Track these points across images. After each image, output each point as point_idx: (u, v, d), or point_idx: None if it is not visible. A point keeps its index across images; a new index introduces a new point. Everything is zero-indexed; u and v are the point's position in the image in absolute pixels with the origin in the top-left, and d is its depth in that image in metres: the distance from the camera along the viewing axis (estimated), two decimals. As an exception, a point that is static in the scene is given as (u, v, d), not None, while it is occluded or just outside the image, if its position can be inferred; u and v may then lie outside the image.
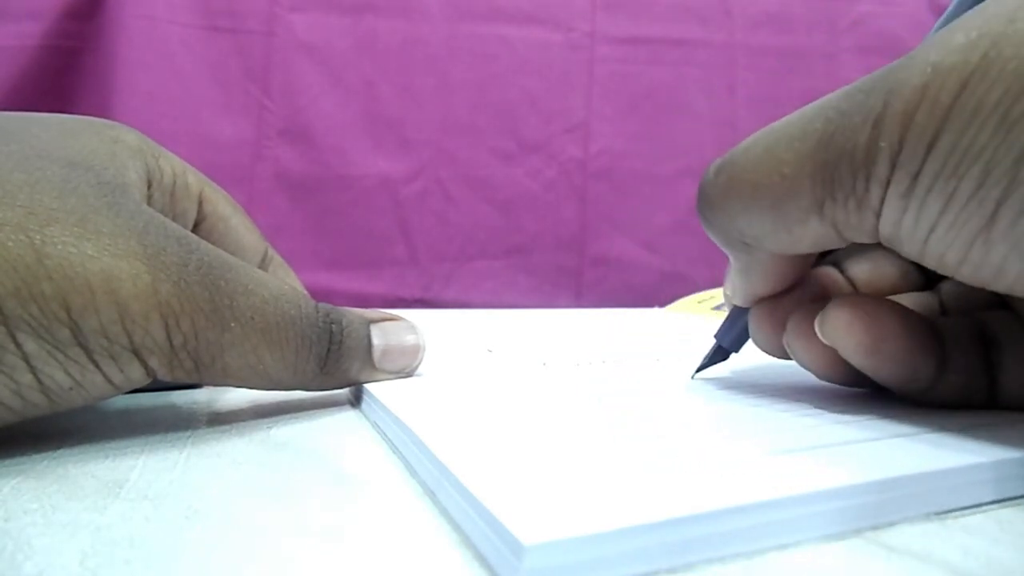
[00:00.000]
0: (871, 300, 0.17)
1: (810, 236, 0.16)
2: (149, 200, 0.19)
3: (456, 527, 0.12)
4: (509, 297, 0.61)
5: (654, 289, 0.62)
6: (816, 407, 0.18)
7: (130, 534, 0.11)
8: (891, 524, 0.12)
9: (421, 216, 0.60)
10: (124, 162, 0.18)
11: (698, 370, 0.22)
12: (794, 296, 0.19)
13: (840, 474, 0.12)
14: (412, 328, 0.21)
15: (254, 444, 0.17)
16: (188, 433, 0.18)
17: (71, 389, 0.15)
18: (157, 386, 0.22)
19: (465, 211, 0.61)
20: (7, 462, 0.15)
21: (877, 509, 0.12)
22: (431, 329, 0.23)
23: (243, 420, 0.19)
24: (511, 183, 0.62)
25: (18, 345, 0.14)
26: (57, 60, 0.53)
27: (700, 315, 0.50)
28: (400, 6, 0.60)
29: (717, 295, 0.55)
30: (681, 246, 0.64)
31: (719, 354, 0.22)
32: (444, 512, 0.12)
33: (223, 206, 0.23)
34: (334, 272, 0.59)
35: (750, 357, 0.23)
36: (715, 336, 0.22)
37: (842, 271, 0.21)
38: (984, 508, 0.13)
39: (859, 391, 0.20)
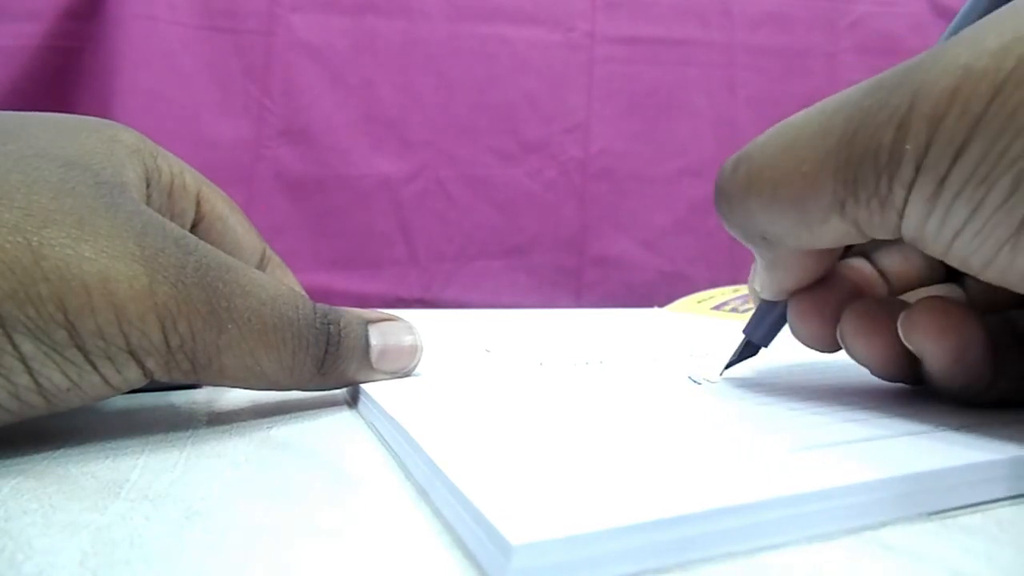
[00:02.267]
0: (956, 308, 0.16)
1: (831, 233, 0.16)
2: (147, 200, 0.19)
3: (449, 527, 0.12)
4: (509, 297, 0.61)
5: (654, 289, 0.62)
6: (815, 406, 0.18)
7: (130, 534, 0.11)
8: (890, 523, 0.12)
9: (421, 216, 0.60)
10: (122, 161, 0.18)
11: (726, 367, 0.22)
12: (833, 289, 0.19)
13: (837, 473, 0.12)
14: (410, 328, 0.21)
15: (254, 444, 0.17)
16: (188, 433, 0.18)
17: (68, 390, 0.15)
18: (156, 386, 0.22)
19: (465, 211, 0.61)
20: (7, 462, 0.15)
21: (875, 508, 0.12)
22: (430, 329, 0.23)
23: (243, 420, 0.19)
24: (511, 183, 0.62)
25: (15, 346, 0.14)
26: (57, 60, 0.53)
27: (700, 315, 0.50)
28: (400, 6, 0.60)
29: (717, 295, 0.55)
30: (681, 246, 0.64)
31: (748, 350, 0.22)
32: (437, 512, 0.12)
33: (221, 206, 0.23)
34: (334, 272, 0.59)
35: (757, 358, 0.23)
36: (743, 332, 0.22)
37: (872, 262, 0.21)
38: (984, 508, 0.13)
39: (863, 389, 0.20)
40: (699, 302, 0.54)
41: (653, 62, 0.64)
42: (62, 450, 0.16)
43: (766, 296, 0.20)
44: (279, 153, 0.58)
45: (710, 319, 0.47)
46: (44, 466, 0.15)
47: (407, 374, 0.21)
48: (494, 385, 0.21)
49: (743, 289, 0.55)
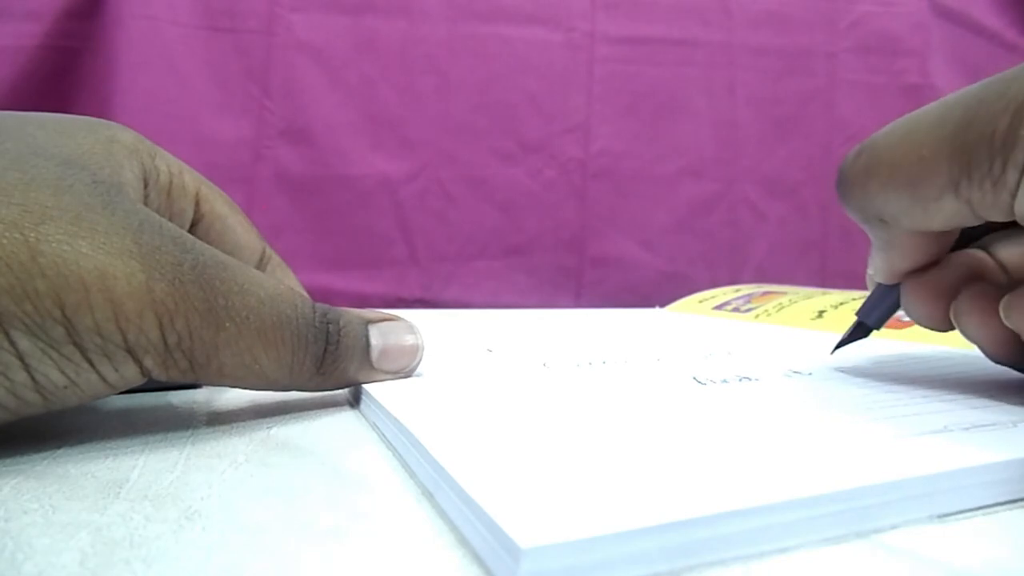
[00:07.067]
0: None
1: (945, 213, 0.17)
2: (145, 200, 0.19)
3: (454, 529, 0.12)
4: (509, 297, 0.60)
5: (654, 289, 0.62)
6: (823, 405, 0.18)
7: (130, 534, 0.11)
8: (891, 526, 0.12)
9: (421, 216, 0.60)
10: (120, 161, 0.18)
11: (838, 346, 0.23)
12: (948, 272, 0.20)
13: (845, 475, 0.12)
14: (411, 328, 0.21)
15: (254, 444, 0.17)
16: (188, 433, 0.17)
17: (66, 388, 0.15)
18: (156, 386, 0.22)
19: (465, 211, 0.61)
20: (7, 462, 0.15)
21: (883, 510, 0.12)
22: (431, 329, 0.23)
23: (243, 420, 0.19)
24: (511, 183, 0.62)
25: (12, 343, 0.14)
26: (57, 60, 0.53)
27: (700, 315, 0.50)
28: (400, 6, 0.60)
29: (717, 295, 0.55)
30: (681, 246, 0.64)
31: (860, 331, 0.23)
32: (442, 514, 0.12)
33: (220, 205, 0.23)
34: (334, 272, 0.59)
35: (761, 359, 0.23)
36: (857, 314, 0.23)
37: (991, 254, 0.21)
38: (984, 509, 0.13)
39: (871, 387, 0.20)
40: (700, 302, 0.54)
41: (653, 62, 0.64)
42: (62, 450, 0.16)
43: (880, 279, 0.21)
44: (279, 153, 0.58)
45: (712, 319, 0.47)
46: (44, 466, 0.15)
47: (408, 374, 0.21)
48: (498, 386, 0.21)
49: (744, 289, 0.55)
